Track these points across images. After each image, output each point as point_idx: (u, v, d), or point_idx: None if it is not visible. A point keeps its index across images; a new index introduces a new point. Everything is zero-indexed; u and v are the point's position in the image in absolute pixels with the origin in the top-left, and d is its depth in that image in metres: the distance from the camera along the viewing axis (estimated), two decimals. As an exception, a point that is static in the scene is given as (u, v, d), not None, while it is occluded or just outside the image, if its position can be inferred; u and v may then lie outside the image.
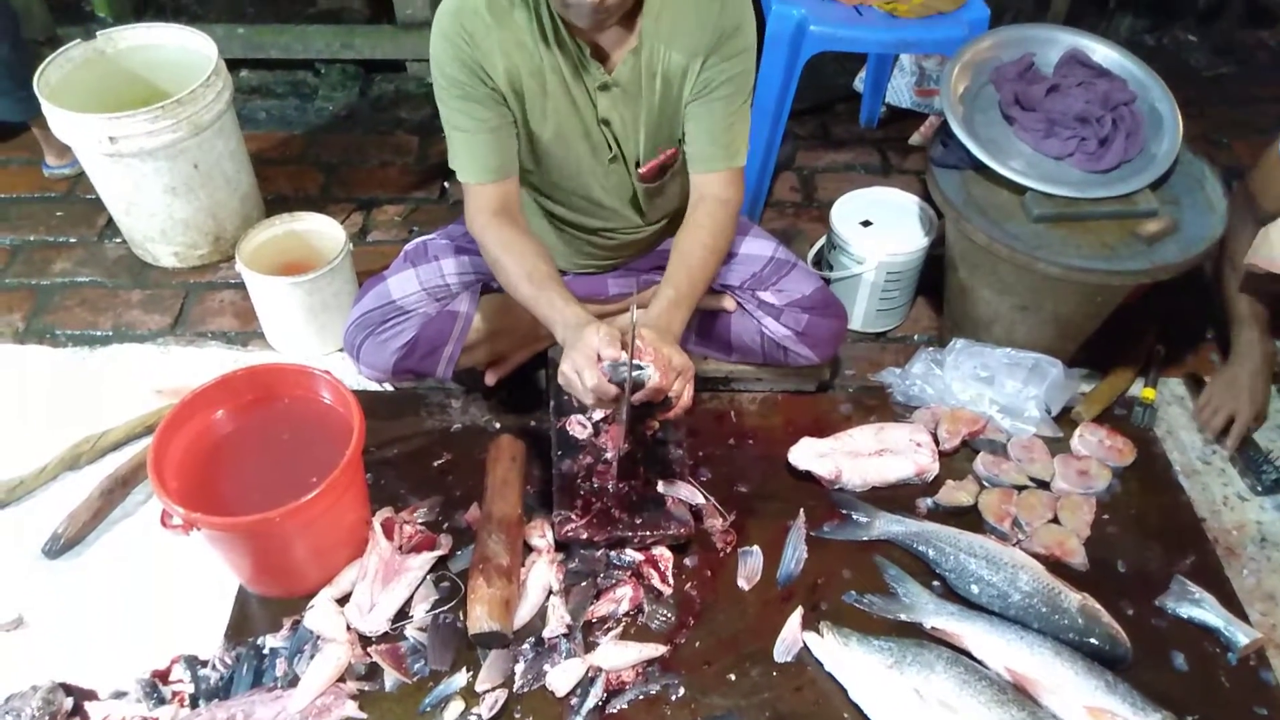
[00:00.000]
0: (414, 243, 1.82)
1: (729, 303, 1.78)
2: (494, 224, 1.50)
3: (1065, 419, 1.85)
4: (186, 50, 2.11)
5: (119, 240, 2.25)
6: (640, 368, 1.37)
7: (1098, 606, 1.50)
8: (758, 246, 1.79)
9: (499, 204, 1.51)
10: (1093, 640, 1.46)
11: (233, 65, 2.15)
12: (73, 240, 2.28)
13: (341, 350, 1.85)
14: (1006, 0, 2.93)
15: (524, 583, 1.53)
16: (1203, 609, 1.53)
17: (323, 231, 1.98)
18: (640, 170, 1.58)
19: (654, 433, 1.68)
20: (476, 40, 1.41)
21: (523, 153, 1.56)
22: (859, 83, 2.75)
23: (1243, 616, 1.54)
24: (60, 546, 1.60)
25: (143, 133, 1.92)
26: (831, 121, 2.73)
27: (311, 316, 1.91)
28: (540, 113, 1.49)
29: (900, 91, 2.69)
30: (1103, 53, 1.91)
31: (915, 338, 2.09)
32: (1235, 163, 2.48)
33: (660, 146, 1.56)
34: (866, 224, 1.99)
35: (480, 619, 1.43)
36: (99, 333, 2.04)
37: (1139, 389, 1.93)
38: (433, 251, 1.77)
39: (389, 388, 1.87)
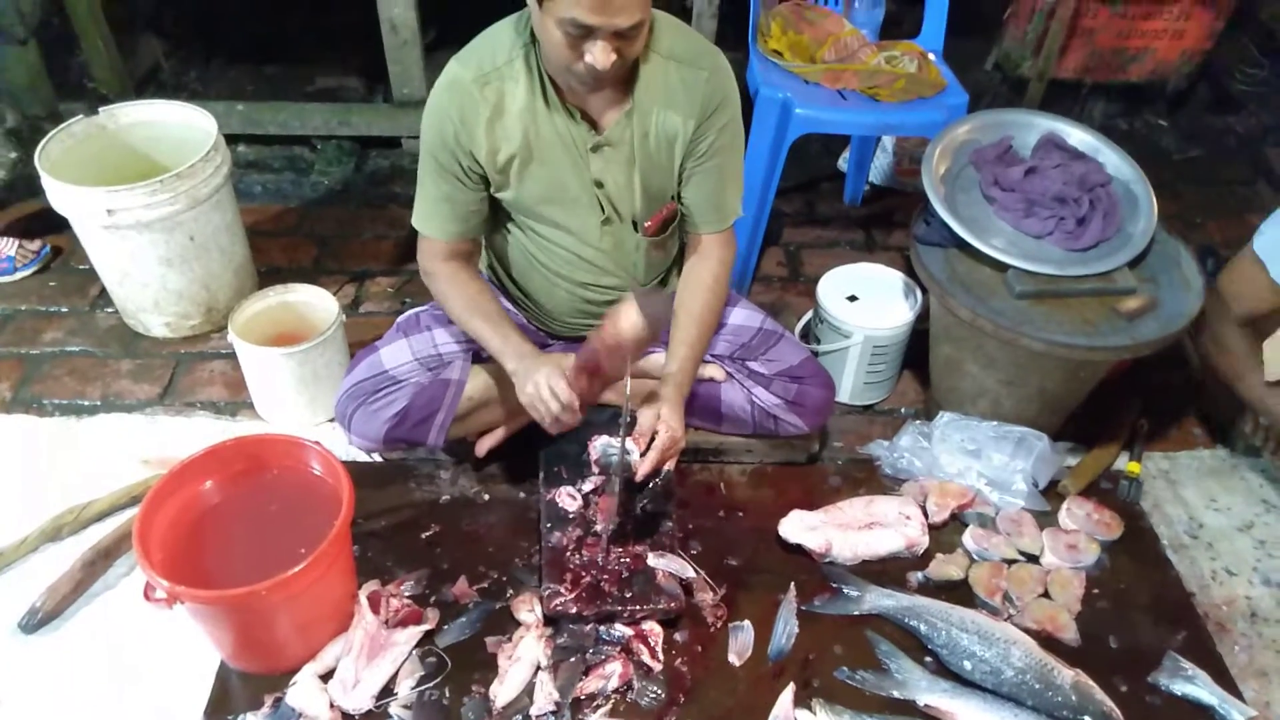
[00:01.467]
0: (407, 314, 1.84)
1: (718, 373, 1.80)
2: (447, 266, 1.64)
3: (1052, 492, 1.86)
4: (187, 126, 2.16)
5: (111, 310, 2.25)
6: (628, 451, 1.42)
7: (1091, 683, 1.49)
8: (745, 317, 1.82)
9: (451, 254, 1.64)
10: (1087, 719, 1.45)
11: (231, 140, 2.19)
12: (64, 310, 2.28)
13: (332, 420, 1.85)
14: (983, 86, 3.04)
15: (511, 659, 1.51)
16: (1196, 686, 1.52)
17: (315, 303, 2.00)
18: (646, 225, 1.63)
19: (644, 505, 1.68)
20: (465, 118, 1.47)
21: (518, 214, 1.61)
22: (843, 162, 2.83)
23: (1237, 694, 1.53)
24: (38, 621, 1.57)
25: (141, 205, 1.95)
26: (817, 199, 2.79)
27: (303, 387, 1.91)
28: (531, 178, 1.54)
29: (883, 171, 2.77)
30: (1078, 136, 1.98)
31: (903, 410, 2.11)
32: (1209, 240, 2.55)
33: (657, 203, 1.62)
34: (852, 299, 2.03)
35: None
36: (87, 402, 2.04)
37: (1124, 463, 1.94)
38: (425, 322, 1.79)
39: (379, 458, 1.87)
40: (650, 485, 1.65)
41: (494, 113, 1.47)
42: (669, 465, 1.57)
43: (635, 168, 1.55)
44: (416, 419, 1.70)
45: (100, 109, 2.16)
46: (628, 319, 1.43)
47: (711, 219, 1.64)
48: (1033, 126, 2.00)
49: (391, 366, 1.73)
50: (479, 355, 1.77)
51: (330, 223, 2.61)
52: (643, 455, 1.53)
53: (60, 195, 1.97)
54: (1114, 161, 1.95)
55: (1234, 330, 1.84)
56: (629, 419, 1.58)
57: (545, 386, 1.48)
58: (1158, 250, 1.89)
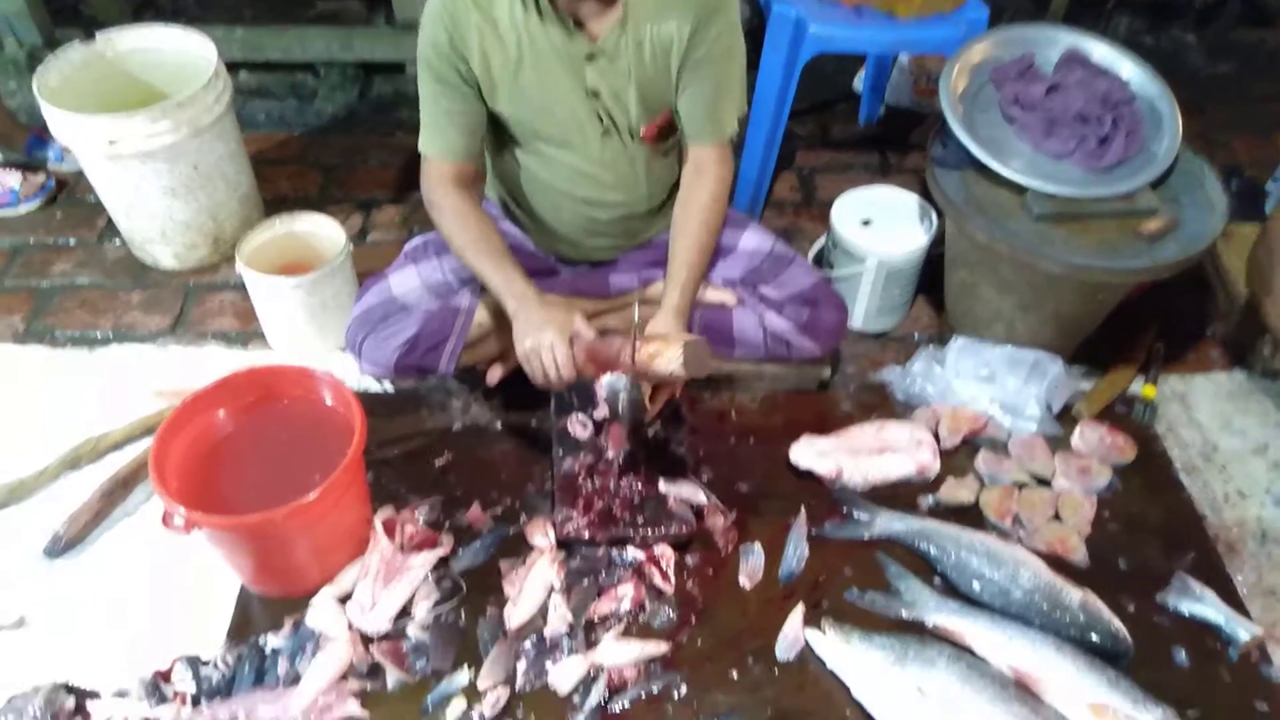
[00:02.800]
0: (415, 241, 1.83)
1: (730, 298, 1.79)
2: (452, 195, 1.60)
3: (1066, 417, 1.86)
4: (186, 52, 2.12)
5: (119, 242, 2.25)
6: (636, 387, 1.42)
7: (1099, 603, 1.51)
8: (756, 241, 1.80)
9: (457, 179, 1.61)
10: (1094, 637, 1.47)
11: (232, 67, 2.16)
12: (72, 242, 2.28)
13: (343, 349, 1.85)
14: (1004, 0, 2.94)
15: (525, 581, 1.54)
16: (1204, 605, 1.54)
17: (322, 232, 1.99)
18: (643, 132, 1.60)
19: (655, 433, 1.69)
20: (458, 23, 1.46)
21: (518, 131, 1.60)
22: (858, 83, 2.76)
23: (1244, 612, 1.54)
24: (61, 547, 1.61)
25: (142, 134, 1.93)
26: (831, 121, 2.74)
27: (311, 317, 1.92)
28: (525, 89, 1.52)
29: (899, 91, 2.70)
30: (1102, 52, 1.92)
31: (916, 336, 2.09)
32: (1235, 161, 2.49)
33: (654, 112, 1.59)
34: (867, 223, 2.00)
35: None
36: (99, 334, 2.05)
37: (1139, 387, 1.93)
38: (433, 249, 1.78)
39: (390, 387, 1.88)
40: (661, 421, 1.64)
41: (485, 19, 1.45)
42: (676, 394, 1.56)
43: (632, 78, 1.52)
44: (427, 346, 1.70)
45: (97, 34, 2.12)
46: (668, 362, 1.38)
47: (705, 130, 1.59)
48: (1055, 42, 1.94)
49: (400, 293, 1.72)
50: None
51: (335, 151, 2.58)
52: (652, 395, 1.52)
53: (61, 124, 1.95)
54: (1139, 78, 1.89)
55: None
56: (637, 345, 1.57)
57: (548, 351, 1.45)
58: (1181, 170, 1.84)
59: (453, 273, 1.75)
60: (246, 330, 2.05)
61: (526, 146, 1.63)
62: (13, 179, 2.33)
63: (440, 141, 1.58)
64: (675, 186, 1.75)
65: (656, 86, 1.55)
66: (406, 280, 1.74)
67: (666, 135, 1.64)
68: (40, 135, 2.40)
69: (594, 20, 1.47)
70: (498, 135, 1.64)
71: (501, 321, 1.77)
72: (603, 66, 1.50)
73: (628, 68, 1.51)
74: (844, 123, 2.73)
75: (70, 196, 2.41)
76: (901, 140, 2.63)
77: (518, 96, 1.53)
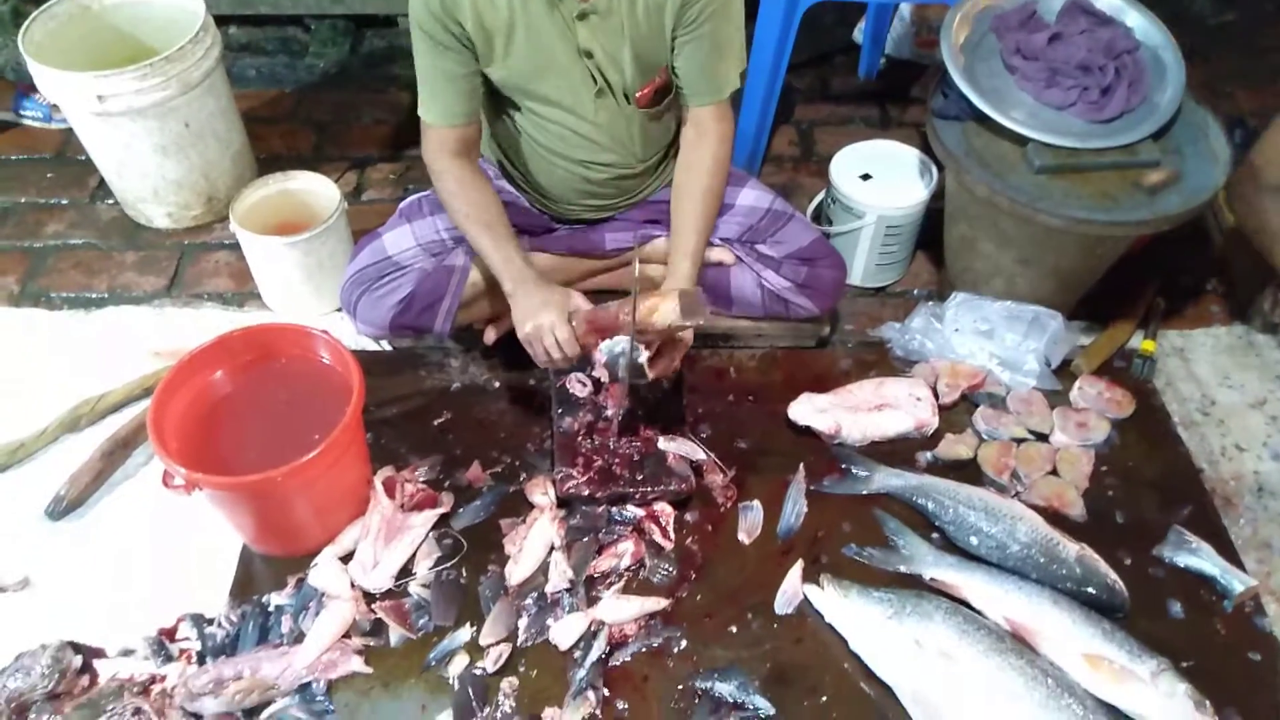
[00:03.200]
0: (409, 199, 1.81)
1: (728, 256, 1.78)
2: (454, 164, 1.59)
3: (1065, 372, 1.85)
4: (173, 7, 2.08)
5: (111, 201, 2.23)
6: (636, 349, 1.45)
7: (1095, 556, 1.52)
8: (754, 198, 1.78)
9: (458, 145, 1.59)
10: (1090, 589, 1.48)
11: (221, 21, 2.11)
12: (64, 202, 2.26)
13: (339, 310, 1.85)
14: (1008, -53, 2.88)
15: (525, 539, 1.55)
16: (1199, 558, 1.55)
17: (317, 190, 1.97)
18: (638, 95, 1.58)
19: (655, 391, 1.68)
20: None
21: (511, 92, 1.57)
22: (858, 34, 2.71)
23: (1239, 565, 1.56)
24: (63, 508, 1.61)
25: (131, 91, 1.90)
26: (830, 74, 2.69)
27: (307, 276, 1.90)
28: (518, 50, 1.49)
29: (900, 42, 2.66)
30: (1106, 0, 1.88)
31: (915, 292, 2.09)
32: (1239, 111, 2.46)
33: (649, 73, 1.56)
34: (866, 177, 1.98)
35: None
36: (94, 295, 2.03)
37: (1139, 341, 1.93)
38: (428, 207, 1.76)
39: (387, 346, 1.87)
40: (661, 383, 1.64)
41: None
42: (677, 363, 1.56)
43: (625, 37, 1.49)
44: (422, 305, 1.70)
45: (83, -12, 2.08)
46: (666, 314, 1.39)
47: (704, 90, 1.57)
48: (1059, -11, 1.90)
49: (395, 252, 1.71)
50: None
51: (328, 107, 2.54)
52: (652, 358, 1.51)
53: (48, 81, 1.92)
54: (1142, 26, 1.86)
55: (1269, 200, 1.77)
56: (635, 305, 1.57)
57: (550, 334, 1.46)
58: (1184, 120, 1.82)
59: (447, 231, 1.73)
60: (242, 290, 2.04)
61: (520, 107, 1.61)
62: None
63: (438, 107, 1.56)
64: (671, 145, 1.74)
65: (651, 45, 1.52)
66: (401, 239, 1.72)
67: (662, 98, 1.61)
68: (26, 91, 2.36)
69: None
70: (491, 96, 1.61)
71: (496, 281, 1.76)
72: (595, 25, 1.47)
73: (621, 26, 1.48)
74: (843, 75, 2.69)
75: (61, 155, 2.37)
76: (902, 93, 2.60)
77: (511, 58, 1.50)
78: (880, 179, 1.98)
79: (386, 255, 1.71)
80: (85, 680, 1.40)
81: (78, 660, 1.41)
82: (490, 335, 1.81)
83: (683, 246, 1.59)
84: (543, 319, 1.47)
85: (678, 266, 1.58)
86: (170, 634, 1.45)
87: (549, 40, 1.48)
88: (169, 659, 1.42)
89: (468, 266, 1.72)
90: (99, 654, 1.43)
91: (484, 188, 1.61)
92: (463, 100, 1.55)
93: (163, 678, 1.40)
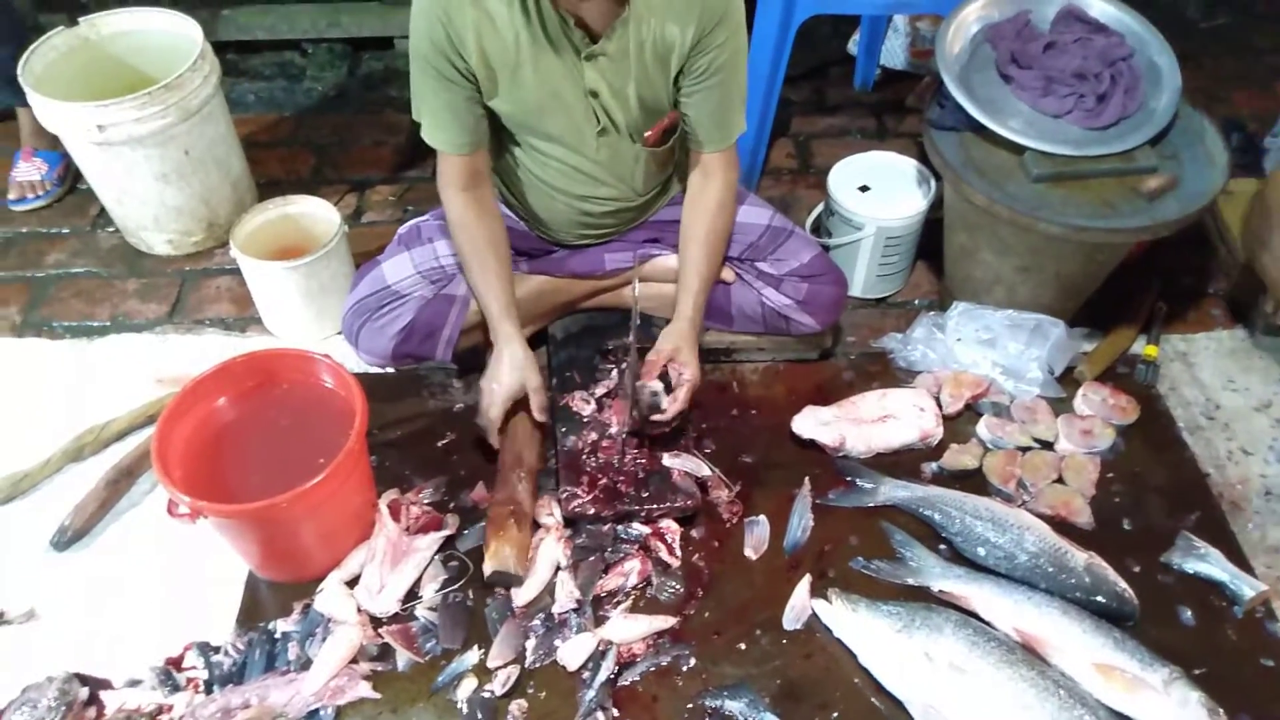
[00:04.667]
0: (407, 225, 1.81)
1: (728, 274, 1.78)
2: (459, 199, 1.61)
3: (1068, 379, 1.85)
4: (171, 35, 2.09)
5: (112, 229, 2.23)
6: (655, 393, 1.55)
7: (1104, 565, 1.51)
8: (754, 215, 1.78)
9: (465, 178, 1.60)
10: (1100, 598, 1.47)
11: (218, 48, 2.12)
12: (65, 231, 2.26)
13: (340, 333, 1.84)
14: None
15: (532, 559, 1.54)
16: (1208, 564, 1.54)
17: (316, 214, 1.97)
18: (646, 136, 1.60)
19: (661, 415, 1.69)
20: (452, 18, 1.42)
21: (513, 126, 1.57)
22: (853, 45, 2.72)
23: (1249, 570, 1.55)
24: (68, 538, 1.61)
25: (131, 119, 1.91)
26: (826, 86, 2.70)
27: (309, 300, 1.90)
28: (523, 87, 1.49)
29: (895, 53, 2.66)
30: (1099, 7, 1.88)
31: (916, 302, 2.08)
32: (1237, 114, 2.46)
33: (654, 115, 1.57)
34: (864, 189, 1.98)
35: (508, 559, 1.47)
36: (96, 323, 2.03)
37: (1141, 347, 1.92)
38: (426, 234, 1.76)
39: (390, 370, 1.87)
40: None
41: (482, 15, 1.41)
42: (686, 401, 1.60)
43: (631, 79, 1.49)
44: (422, 335, 1.70)
45: (80, 19, 2.09)
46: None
47: (715, 137, 1.61)
48: (1052, -1, 1.91)
49: (394, 281, 1.71)
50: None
51: (326, 130, 2.55)
52: (668, 392, 1.58)
53: (48, 112, 1.93)
54: (1136, 32, 1.86)
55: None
56: (637, 322, 1.58)
57: (488, 395, 1.61)
58: (1181, 125, 1.82)
59: (446, 257, 1.73)
60: (244, 316, 2.04)
61: (521, 143, 1.61)
62: (33, 170, 2.29)
63: (443, 136, 1.55)
64: (668, 180, 1.76)
65: (654, 88, 1.53)
66: (400, 267, 1.72)
67: (669, 136, 1.63)
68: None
69: (595, 20, 1.43)
70: (492, 128, 1.60)
71: None
72: (602, 66, 1.47)
73: (629, 69, 1.48)
74: (839, 87, 2.69)
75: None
76: (898, 103, 2.60)
77: (515, 94, 1.50)
78: (879, 190, 1.98)
79: (386, 284, 1.71)
80: (92, 712, 1.39)
81: (84, 692, 1.40)
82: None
83: (688, 285, 1.65)
84: (493, 386, 1.59)
85: (682, 304, 1.65)
86: (177, 663, 1.44)
87: (554, 78, 1.48)
88: (176, 689, 1.41)
89: (467, 296, 1.72)
90: (106, 685, 1.42)
91: (487, 227, 1.62)
92: (467, 131, 1.54)
93: (170, 707, 1.39)
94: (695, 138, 1.61)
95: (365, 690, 1.41)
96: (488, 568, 1.48)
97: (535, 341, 1.86)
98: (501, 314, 1.60)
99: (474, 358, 1.82)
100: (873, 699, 1.41)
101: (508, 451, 1.63)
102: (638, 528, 1.58)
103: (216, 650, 1.45)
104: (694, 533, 1.61)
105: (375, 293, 1.71)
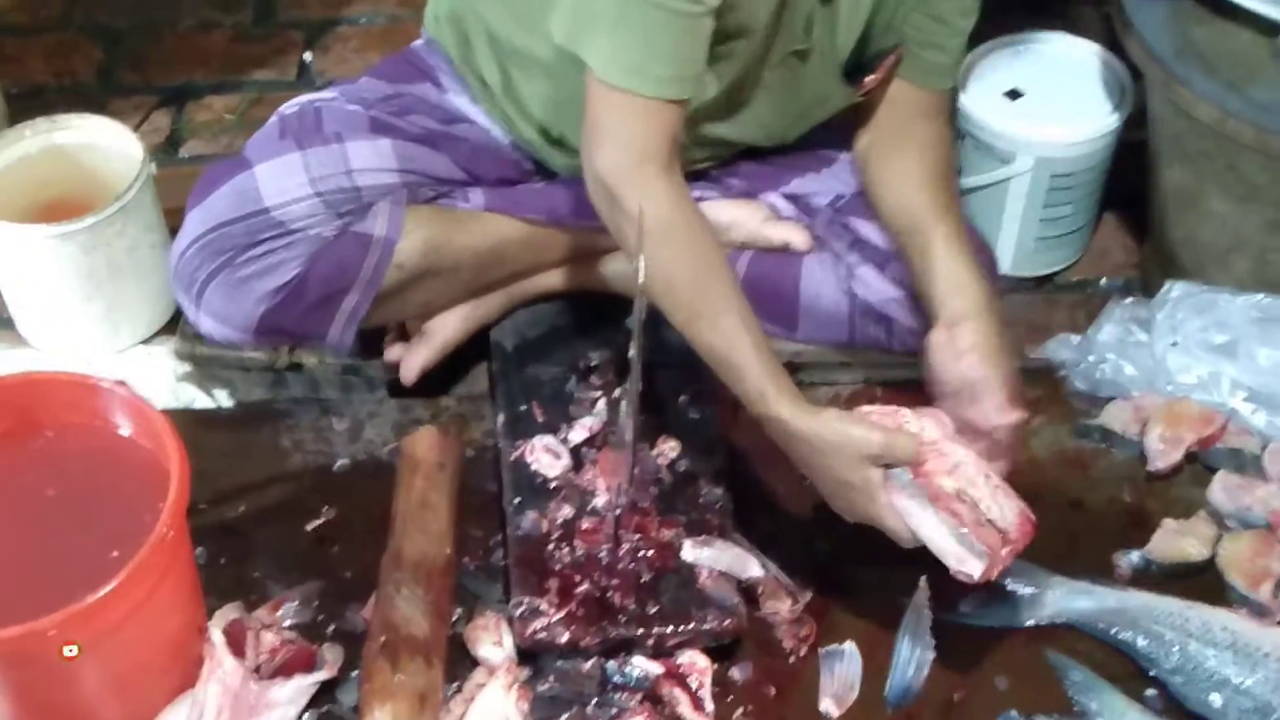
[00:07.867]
0: (296, 104, 1.81)
1: (799, 237, 1.80)
2: (667, 187, 1.52)
3: (1356, 410, 1.85)
4: None
5: None
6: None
7: None
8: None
9: (664, 145, 1.51)
10: None
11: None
12: None
13: (145, 342, 1.85)
14: None
15: (464, 716, 1.54)
16: None
17: (105, 145, 1.99)
18: (868, 79, 1.72)
19: (673, 461, 1.69)
20: None
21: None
22: None
23: None
24: None
25: None
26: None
27: (93, 288, 1.91)
28: None
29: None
30: None
31: (1102, 283, 2.12)
32: None
33: (879, 50, 1.72)
34: (1014, 95, 2.01)
35: None
36: None
37: None
38: (331, 125, 1.75)
39: (228, 400, 1.89)
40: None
41: None
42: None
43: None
44: (315, 298, 1.70)
45: None
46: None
47: (949, 70, 1.79)
48: None
49: (276, 201, 1.68)
50: (418, 192, 1.74)
51: (124, 6, 2.57)
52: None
53: None
54: None
55: None
56: (642, 316, 1.56)
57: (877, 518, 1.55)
58: None
59: (366, 174, 1.71)
60: (-19, 315, 2.06)
61: None
62: None
63: (659, 62, 1.47)
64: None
65: (890, 8, 1.68)
66: (285, 178, 1.68)
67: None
68: None
69: None
70: None
71: (438, 258, 1.76)
72: None
73: None
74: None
75: None
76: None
77: None
78: (1039, 98, 2.01)
79: (261, 206, 1.67)
80: None
81: None
82: (410, 367, 1.80)
83: (952, 230, 1.67)
84: (855, 500, 1.54)
85: (967, 285, 1.64)
86: None
87: None
88: None
89: (393, 238, 1.70)
90: None
91: (711, 233, 1.60)
92: (696, 60, 1.51)
93: None
94: (937, 70, 1.76)
95: None
96: None
97: (472, 350, 1.87)
98: (765, 374, 1.49)
99: (375, 344, 1.82)
100: None
101: (390, 542, 1.62)
102: (642, 664, 1.58)
103: None
104: (735, 672, 1.61)
105: (243, 217, 1.67)
